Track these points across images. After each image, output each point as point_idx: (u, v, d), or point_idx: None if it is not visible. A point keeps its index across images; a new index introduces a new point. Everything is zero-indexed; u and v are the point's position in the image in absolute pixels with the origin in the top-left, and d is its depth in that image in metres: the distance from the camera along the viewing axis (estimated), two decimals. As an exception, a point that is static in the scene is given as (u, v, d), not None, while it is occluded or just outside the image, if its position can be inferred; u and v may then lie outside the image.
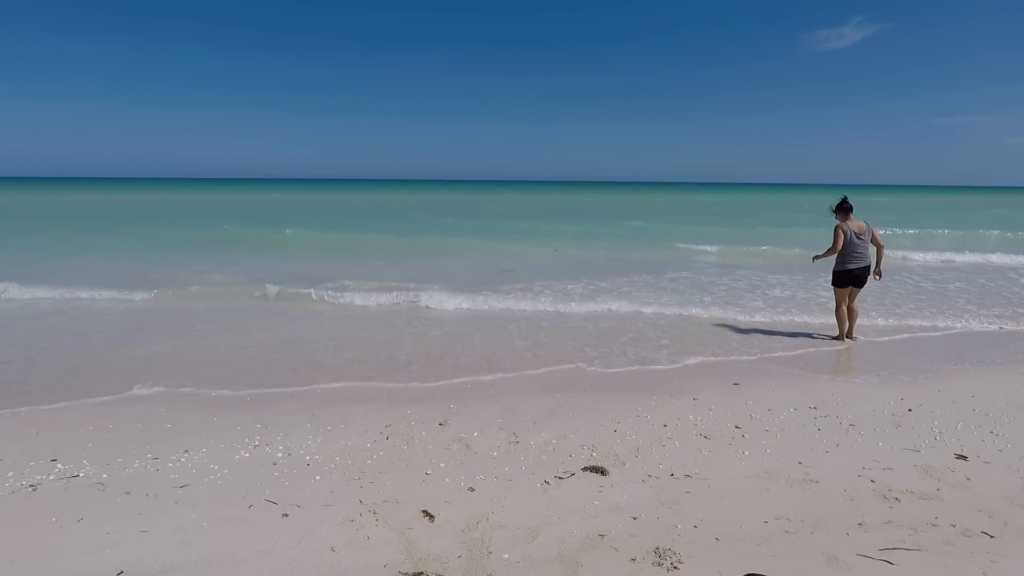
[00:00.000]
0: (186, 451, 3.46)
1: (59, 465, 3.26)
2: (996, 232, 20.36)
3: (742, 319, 7.30)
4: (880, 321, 7.14)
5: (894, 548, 2.51)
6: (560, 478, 3.18)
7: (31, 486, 3.03)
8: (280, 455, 3.44)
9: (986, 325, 7.08)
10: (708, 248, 14.50)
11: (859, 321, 6.65)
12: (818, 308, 7.83)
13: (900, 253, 13.43)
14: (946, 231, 20.70)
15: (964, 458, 3.41)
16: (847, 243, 6.20)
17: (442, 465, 3.33)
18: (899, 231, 19.98)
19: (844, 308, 6.33)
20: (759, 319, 7.32)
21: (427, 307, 7.92)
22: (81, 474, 3.17)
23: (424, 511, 2.82)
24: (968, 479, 3.16)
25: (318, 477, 3.18)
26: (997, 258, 13.10)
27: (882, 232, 7.67)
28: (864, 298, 7.74)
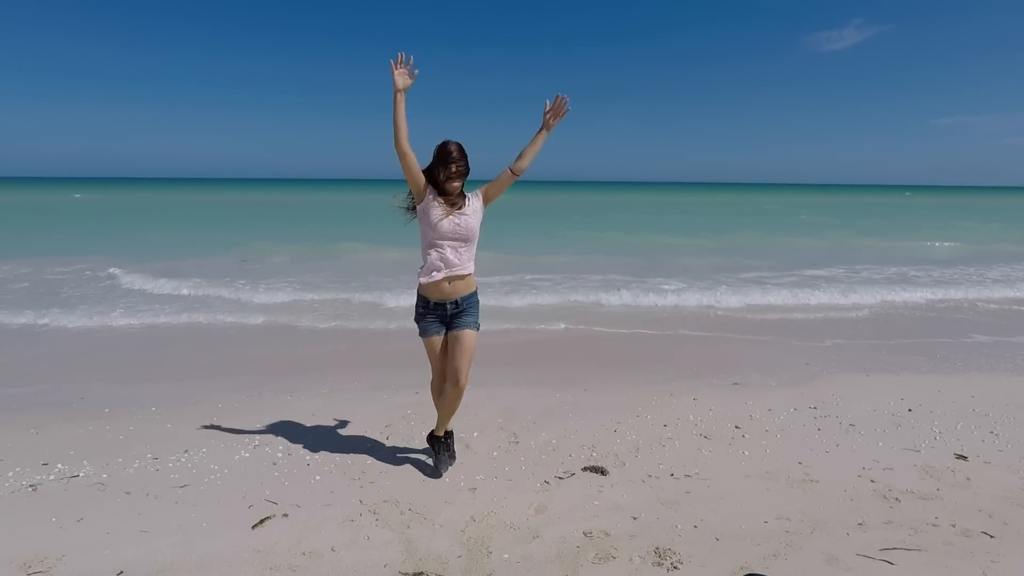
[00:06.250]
0: (186, 451, 3.46)
1: (59, 465, 3.26)
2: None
3: (741, 315, 7.30)
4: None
5: (894, 548, 2.51)
6: (560, 478, 3.18)
7: (31, 486, 3.03)
8: (280, 455, 3.44)
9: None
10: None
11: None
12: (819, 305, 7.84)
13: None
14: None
15: (964, 458, 3.41)
16: None
17: (442, 465, 3.33)
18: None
19: None
20: (755, 317, 7.32)
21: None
22: (81, 474, 3.17)
23: (424, 511, 2.82)
24: (968, 479, 3.16)
25: (318, 477, 3.18)
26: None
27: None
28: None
